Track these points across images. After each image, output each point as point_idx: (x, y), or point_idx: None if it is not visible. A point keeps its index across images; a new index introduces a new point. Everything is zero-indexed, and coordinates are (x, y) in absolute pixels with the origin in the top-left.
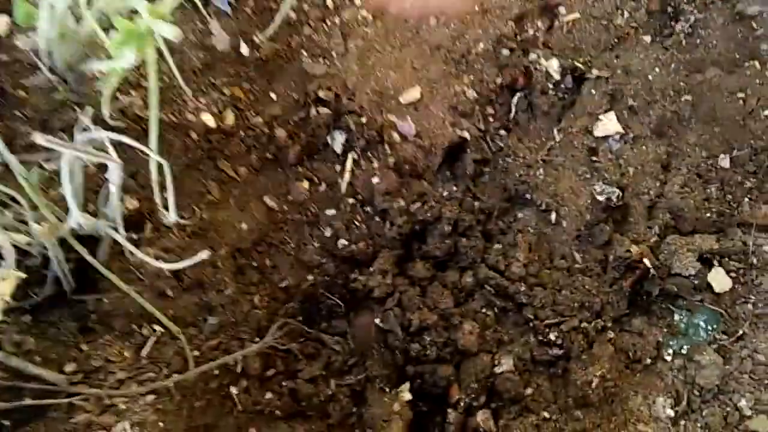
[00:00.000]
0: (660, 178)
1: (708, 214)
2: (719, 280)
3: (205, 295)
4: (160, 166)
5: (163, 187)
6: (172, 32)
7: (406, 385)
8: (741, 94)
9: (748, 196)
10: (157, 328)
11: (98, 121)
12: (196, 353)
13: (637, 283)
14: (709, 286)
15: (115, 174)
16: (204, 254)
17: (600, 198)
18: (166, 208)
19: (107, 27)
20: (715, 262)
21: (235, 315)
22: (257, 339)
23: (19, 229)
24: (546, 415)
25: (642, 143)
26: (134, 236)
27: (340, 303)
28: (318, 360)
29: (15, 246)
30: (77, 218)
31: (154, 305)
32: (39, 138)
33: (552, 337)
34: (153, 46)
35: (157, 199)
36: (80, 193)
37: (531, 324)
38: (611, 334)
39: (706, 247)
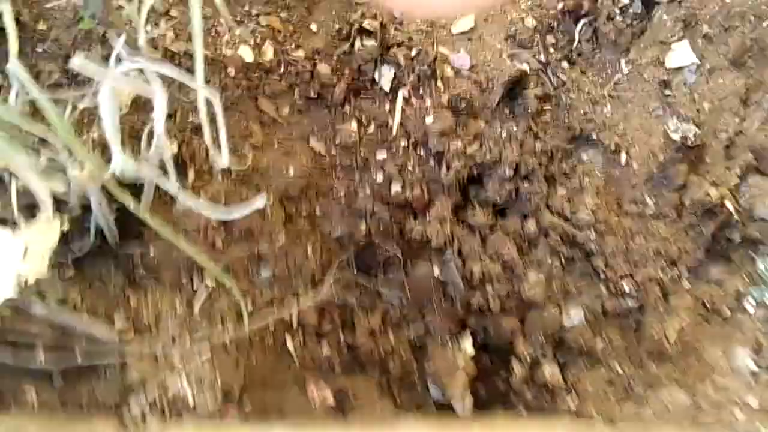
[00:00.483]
0: (740, 114)
1: None
2: None
3: (257, 246)
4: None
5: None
6: None
7: (469, 339)
8: None
9: None
10: (208, 281)
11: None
12: (250, 307)
13: (719, 229)
14: None
15: (161, 107)
16: (261, 201)
17: (675, 136)
18: (215, 151)
19: None
20: None
21: (288, 267)
22: (312, 291)
23: (54, 175)
24: (618, 369)
25: (719, 75)
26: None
27: (396, 253)
28: (375, 313)
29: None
30: (120, 161)
31: (203, 256)
32: (78, 63)
33: (625, 287)
34: None
35: (208, 141)
36: (118, 133)
37: (602, 274)
38: (688, 284)
39: None
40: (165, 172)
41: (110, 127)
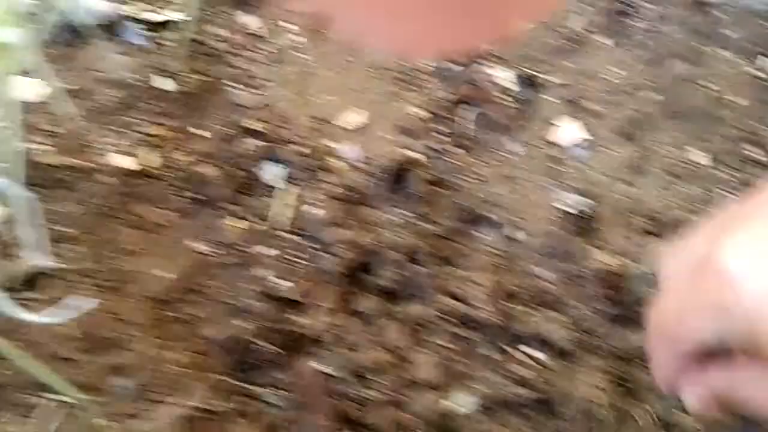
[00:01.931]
0: (633, 183)
1: (688, 214)
2: None
3: (119, 356)
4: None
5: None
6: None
7: None
8: (707, 83)
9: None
10: (62, 397)
11: None
12: (110, 423)
13: (618, 293)
14: None
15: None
16: (91, 303)
17: (569, 210)
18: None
19: None
20: None
21: (155, 376)
22: (183, 401)
23: None
24: None
25: (609, 148)
26: (29, 295)
27: (280, 351)
28: (259, 420)
29: None
30: None
31: (55, 372)
32: None
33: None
34: None
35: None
36: None
37: (504, 354)
38: (599, 352)
39: None
40: None
41: None
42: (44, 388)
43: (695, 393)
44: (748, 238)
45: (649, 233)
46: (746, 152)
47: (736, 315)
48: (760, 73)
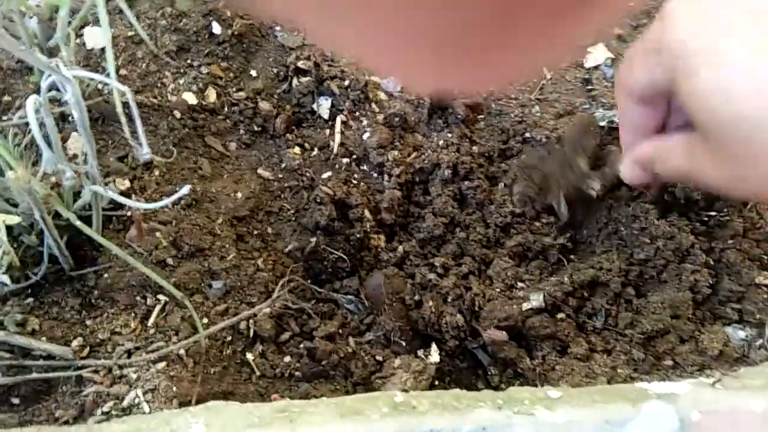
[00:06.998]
0: None
1: None
2: None
3: (207, 262)
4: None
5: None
6: None
7: (433, 346)
8: None
9: None
10: (161, 297)
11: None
12: (205, 320)
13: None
14: None
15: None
16: (185, 189)
17: (602, 123)
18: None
19: None
20: None
21: (240, 279)
22: (268, 302)
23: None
24: (585, 344)
25: None
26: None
27: (347, 261)
28: (334, 319)
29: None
30: (49, 159)
31: (155, 273)
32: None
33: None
34: None
35: (126, 132)
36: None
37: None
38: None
39: None
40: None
41: (37, 131)
42: (147, 288)
43: (629, 160)
44: None
45: None
46: None
47: (665, 48)
48: None
